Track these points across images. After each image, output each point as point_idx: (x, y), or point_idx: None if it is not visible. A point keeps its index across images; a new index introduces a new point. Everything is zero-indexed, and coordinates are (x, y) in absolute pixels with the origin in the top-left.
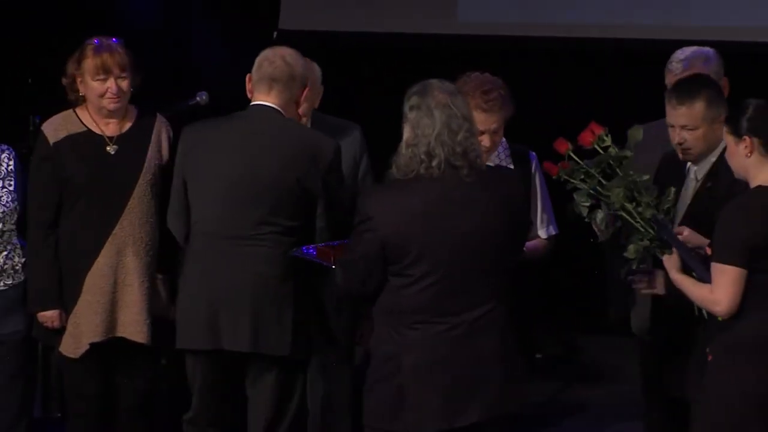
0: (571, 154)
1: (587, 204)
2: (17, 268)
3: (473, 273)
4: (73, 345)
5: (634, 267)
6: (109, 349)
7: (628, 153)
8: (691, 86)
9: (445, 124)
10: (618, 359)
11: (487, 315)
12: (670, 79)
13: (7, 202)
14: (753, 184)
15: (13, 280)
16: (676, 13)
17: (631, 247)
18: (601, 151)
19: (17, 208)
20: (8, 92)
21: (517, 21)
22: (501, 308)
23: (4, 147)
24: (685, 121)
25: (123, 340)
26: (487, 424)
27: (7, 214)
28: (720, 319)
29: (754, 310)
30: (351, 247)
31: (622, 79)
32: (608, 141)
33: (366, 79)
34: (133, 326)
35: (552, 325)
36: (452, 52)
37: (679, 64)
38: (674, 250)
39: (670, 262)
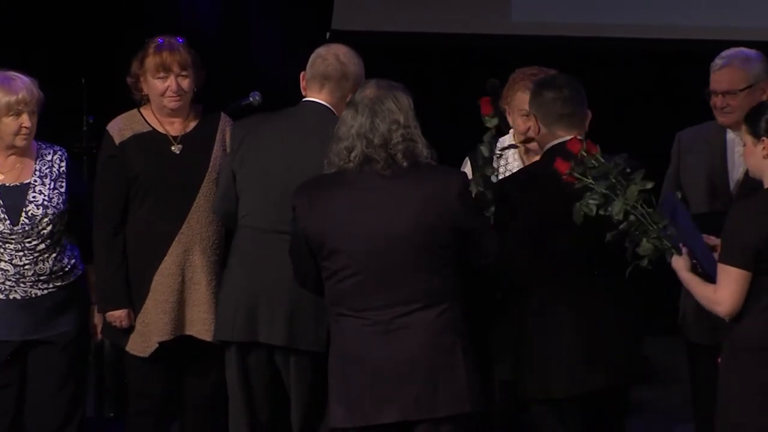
0: (584, 153)
1: (597, 203)
2: (66, 270)
3: (395, 270)
4: (141, 344)
5: (645, 264)
6: (177, 348)
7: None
8: None
9: (369, 118)
10: (672, 360)
11: (411, 314)
12: (711, 77)
13: (58, 204)
14: (766, 185)
15: (63, 281)
16: (730, 14)
17: (646, 244)
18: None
19: (68, 210)
20: (62, 92)
21: (570, 21)
22: (435, 309)
23: (58, 148)
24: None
25: (191, 338)
26: (421, 424)
27: (57, 216)
28: (728, 320)
29: (758, 313)
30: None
31: (674, 80)
32: (594, 161)
33: (418, 79)
34: (201, 324)
35: None
36: (505, 52)
37: (720, 60)
38: (684, 251)
39: (679, 263)
